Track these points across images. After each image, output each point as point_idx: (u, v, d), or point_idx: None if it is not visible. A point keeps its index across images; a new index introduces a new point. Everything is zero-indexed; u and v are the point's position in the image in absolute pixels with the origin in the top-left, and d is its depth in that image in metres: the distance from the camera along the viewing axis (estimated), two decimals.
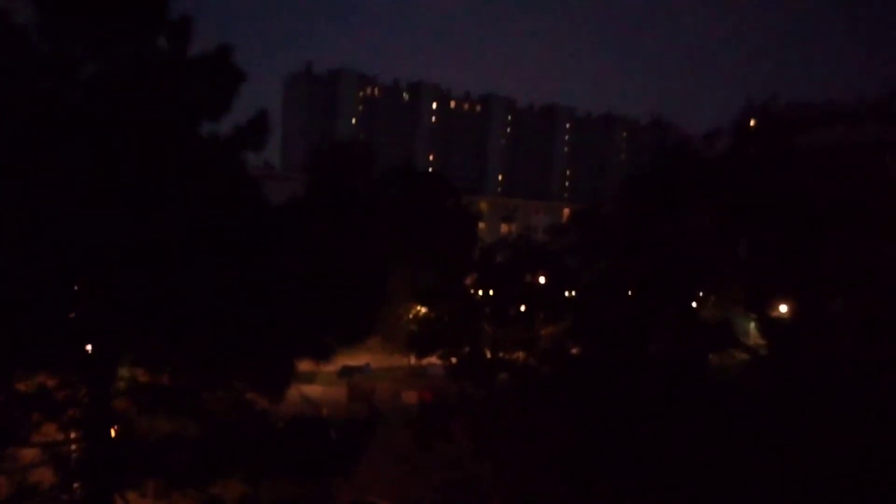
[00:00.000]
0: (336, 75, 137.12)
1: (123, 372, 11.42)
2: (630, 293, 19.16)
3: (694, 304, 19.60)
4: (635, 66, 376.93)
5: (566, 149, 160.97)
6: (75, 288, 10.84)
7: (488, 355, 32.52)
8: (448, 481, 27.25)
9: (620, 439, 16.06)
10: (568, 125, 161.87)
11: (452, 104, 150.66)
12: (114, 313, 10.56)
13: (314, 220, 12.64)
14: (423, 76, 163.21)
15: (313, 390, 40.68)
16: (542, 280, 35.45)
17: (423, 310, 39.83)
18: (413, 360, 44.29)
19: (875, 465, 13.81)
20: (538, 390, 22.14)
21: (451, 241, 48.47)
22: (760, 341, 17.86)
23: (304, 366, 12.00)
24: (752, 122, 18.47)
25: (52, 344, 10.10)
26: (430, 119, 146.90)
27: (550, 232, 47.59)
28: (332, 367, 26.24)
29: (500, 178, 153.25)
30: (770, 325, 16.93)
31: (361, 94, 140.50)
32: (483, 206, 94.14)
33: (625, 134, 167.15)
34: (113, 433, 11.35)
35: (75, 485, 11.06)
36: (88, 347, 10.91)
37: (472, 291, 35.05)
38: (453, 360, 32.63)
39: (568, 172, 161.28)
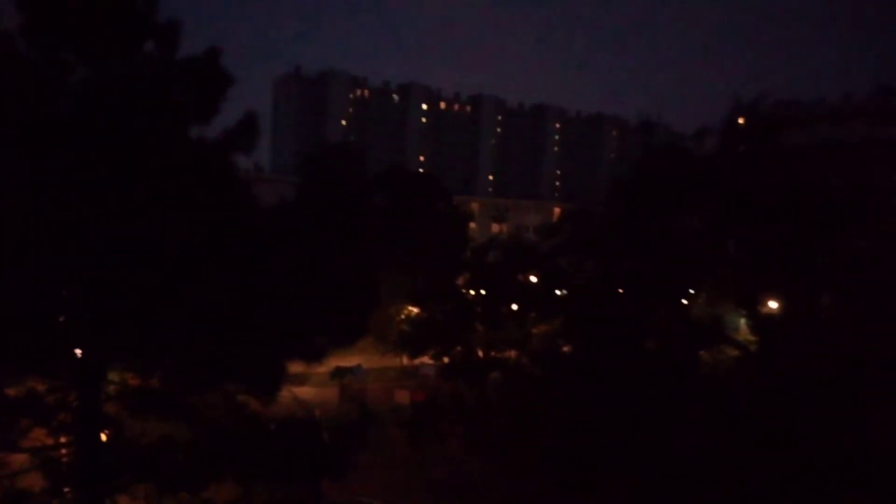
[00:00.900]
0: (325, 77, 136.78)
1: (113, 376, 11.37)
2: (621, 292, 19.22)
3: (685, 302, 19.69)
4: (624, 66, 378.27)
5: (556, 148, 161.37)
6: (64, 293, 10.79)
7: (480, 355, 32.56)
8: (440, 480, 27.26)
9: (612, 437, 16.12)
10: (558, 125, 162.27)
11: (443, 105, 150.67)
12: (103, 317, 10.50)
13: (305, 222, 12.62)
14: (412, 77, 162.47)
15: (305, 392, 40.56)
16: (533, 279, 35.52)
17: (415, 310, 39.81)
18: (405, 361, 44.25)
19: (864, 460, 13.93)
20: (530, 389, 22.19)
21: (443, 241, 48.47)
22: (751, 337, 17.96)
23: (296, 367, 11.99)
24: (740, 121, 18.54)
25: (41, 349, 10.05)
26: (421, 120, 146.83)
27: (541, 231, 47.68)
28: (325, 368, 26.21)
29: (490, 178, 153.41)
30: (760, 322, 17.03)
31: (351, 95, 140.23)
32: (474, 206, 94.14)
33: (614, 133, 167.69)
34: (103, 437, 11.29)
35: (66, 490, 10.99)
36: (78, 352, 10.85)
37: (463, 291, 35.04)
38: (445, 359, 32.65)
39: (558, 172, 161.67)
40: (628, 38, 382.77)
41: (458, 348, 32.34)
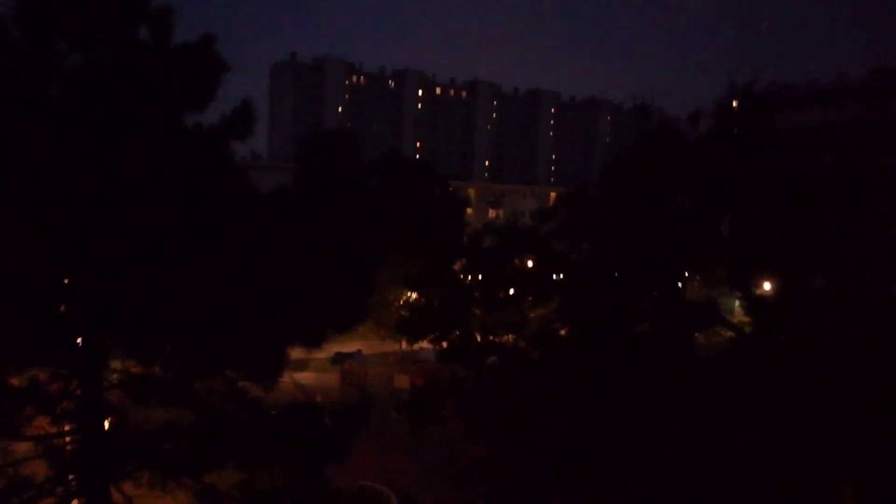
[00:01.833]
0: (321, 64, 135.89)
1: (116, 364, 11.45)
2: (616, 275, 19.34)
3: (679, 285, 19.83)
4: (618, 50, 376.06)
5: (551, 133, 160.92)
6: (64, 281, 10.84)
7: (478, 339, 32.78)
8: (440, 462, 27.52)
9: (608, 418, 16.30)
10: (553, 109, 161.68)
11: (438, 91, 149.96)
12: (103, 305, 10.57)
13: (302, 208, 12.65)
14: (408, 63, 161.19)
15: (306, 377, 40.83)
16: (529, 263, 35.67)
17: (414, 295, 39.94)
18: (404, 346, 44.43)
19: (858, 439, 14.10)
20: (527, 372, 22.39)
21: (440, 227, 48.47)
22: (745, 319, 18.12)
23: (297, 353, 12.08)
24: (734, 103, 18.58)
25: (42, 337, 10.11)
26: (417, 106, 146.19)
27: (537, 216, 47.81)
28: (325, 354, 26.33)
29: (486, 163, 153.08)
30: (754, 303, 17.17)
31: (347, 82, 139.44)
32: (471, 191, 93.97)
33: (609, 117, 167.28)
34: (106, 425, 11.39)
35: (70, 477, 11.11)
36: (79, 340, 10.93)
37: (461, 276, 35.18)
38: (444, 344, 32.86)
39: (553, 157, 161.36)
40: (623, 22, 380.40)
41: (457, 333, 32.55)
